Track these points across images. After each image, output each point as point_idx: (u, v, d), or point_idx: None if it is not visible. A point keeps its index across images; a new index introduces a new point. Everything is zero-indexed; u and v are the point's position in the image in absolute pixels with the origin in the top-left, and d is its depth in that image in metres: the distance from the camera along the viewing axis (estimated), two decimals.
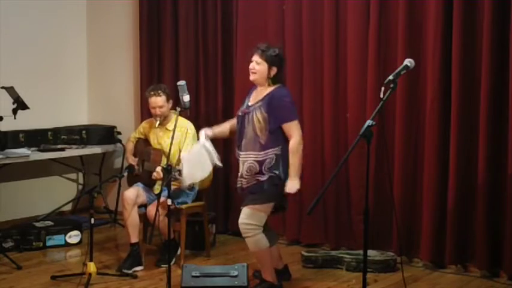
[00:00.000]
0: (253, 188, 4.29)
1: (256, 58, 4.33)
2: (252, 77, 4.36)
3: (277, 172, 4.25)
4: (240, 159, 4.35)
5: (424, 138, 4.95)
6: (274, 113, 4.24)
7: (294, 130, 4.26)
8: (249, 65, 4.39)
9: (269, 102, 4.27)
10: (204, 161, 4.48)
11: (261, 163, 4.24)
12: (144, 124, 5.48)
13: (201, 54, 6.09)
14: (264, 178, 4.25)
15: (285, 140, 4.29)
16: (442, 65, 4.81)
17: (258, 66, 4.31)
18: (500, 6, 4.58)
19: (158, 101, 5.07)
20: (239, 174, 4.37)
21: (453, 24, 4.74)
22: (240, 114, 4.42)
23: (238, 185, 4.39)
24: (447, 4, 4.77)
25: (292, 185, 4.24)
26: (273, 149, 4.24)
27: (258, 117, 4.26)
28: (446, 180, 4.83)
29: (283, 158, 4.26)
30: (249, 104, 4.38)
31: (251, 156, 4.27)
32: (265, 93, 4.32)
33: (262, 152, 4.24)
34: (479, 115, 4.68)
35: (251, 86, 4.50)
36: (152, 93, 5.11)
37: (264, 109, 4.25)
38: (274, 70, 4.32)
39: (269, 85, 4.34)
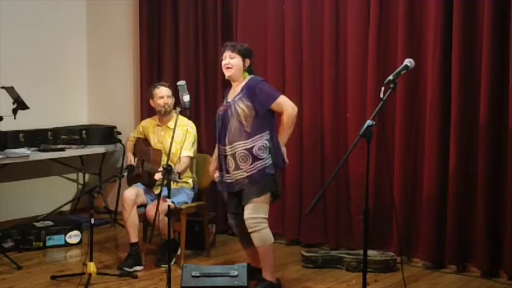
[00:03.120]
0: (257, 175, 4.29)
1: (228, 53, 4.43)
2: (228, 73, 4.43)
3: (270, 159, 4.31)
4: (228, 153, 4.36)
5: (424, 138, 4.95)
6: (258, 98, 4.32)
7: (284, 104, 4.35)
8: None
9: (248, 90, 4.36)
10: None
11: (250, 150, 4.29)
12: (144, 124, 5.48)
13: (201, 54, 6.09)
14: (267, 163, 4.29)
15: (271, 126, 4.38)
16: (442, 65, 4.81)
17: (233, 60, 4.41)
18: (500, 6, 4.58)
19: (167, 90, 5.23)
20: (231, 168, 4.35)
21: (453, 24, 4.73)
22: (220, 112, 4.47)
23: (239, 177, 4.33)
24: (447, 4, 4.77)
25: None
26: (260, 135, 4.31)
27: (241, 107, 4.32)
28: (446, 180, 4.83)
29: (272, 144, 4.33)
30: (228, 100, 4.45)
31: (240, 145, 4.32)
32: (241, 86, 4.41)
33: (249, 140, 4.29)
34: (479, 115, 4.68)
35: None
36: (158, 85, 5.31)
37: (246, 99, 4.33)
38: (247, 62, 4.45)
39: (244, 78, 4.44)
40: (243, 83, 4.42)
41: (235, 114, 4.33)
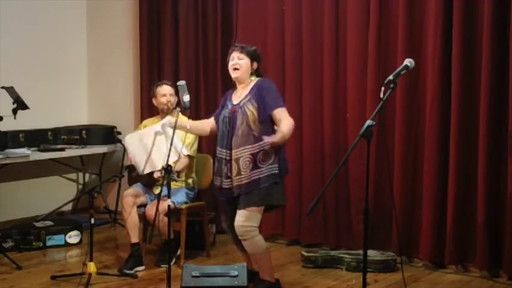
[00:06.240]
0: (251, 184, 4.21)
1: (237, 55, 4.32)
2: (235, 74, 4.33)
3: (275, 166, 4.21)
4: (232, 157, 4.26)
5: (424, 138, 4.95)
6: (264, 102, 4.22)
7: (285, 115, 4.21)
8: None
9: (257, 92, 4.26)
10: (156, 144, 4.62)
11: (255, 155, 4.20)
12: (145, 123, 5.48)
13: (201, 54, 6.10)
14: (262, 174, 4.20)
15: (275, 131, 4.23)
16: (442, 65, 4.82)
17: (241, 61, 4.31)
18: (500, 6, 4.59)
19: (170, 89, 5.26)
20: (233, 173, 4.25)
21: (453, 24, 4.74)
22: (226, 115, 4.33)
23: (239, 182, 4.24)
24: (447, 4, 4.78)
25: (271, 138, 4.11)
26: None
27: (250, 109, 4.23)
28: (446, 180, 4.83)
29: (277, 151, 4.22)
30: (234, 103, 4.33)
31: (246, 150, 4.22)
32: (250, 87, 4.32)
33: (256, 144, 4.20)
34: (479, 115, 4.68)
35: None
36: (161, 83, 5.34)
37: (254, 100, 4.24)
38: (255, 65, 4.36)
39: (250, 81, 4.35)
40: (251, 86, 4.32)
41: (245, 118, 4.22)
